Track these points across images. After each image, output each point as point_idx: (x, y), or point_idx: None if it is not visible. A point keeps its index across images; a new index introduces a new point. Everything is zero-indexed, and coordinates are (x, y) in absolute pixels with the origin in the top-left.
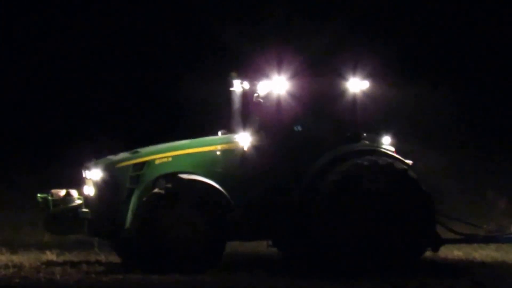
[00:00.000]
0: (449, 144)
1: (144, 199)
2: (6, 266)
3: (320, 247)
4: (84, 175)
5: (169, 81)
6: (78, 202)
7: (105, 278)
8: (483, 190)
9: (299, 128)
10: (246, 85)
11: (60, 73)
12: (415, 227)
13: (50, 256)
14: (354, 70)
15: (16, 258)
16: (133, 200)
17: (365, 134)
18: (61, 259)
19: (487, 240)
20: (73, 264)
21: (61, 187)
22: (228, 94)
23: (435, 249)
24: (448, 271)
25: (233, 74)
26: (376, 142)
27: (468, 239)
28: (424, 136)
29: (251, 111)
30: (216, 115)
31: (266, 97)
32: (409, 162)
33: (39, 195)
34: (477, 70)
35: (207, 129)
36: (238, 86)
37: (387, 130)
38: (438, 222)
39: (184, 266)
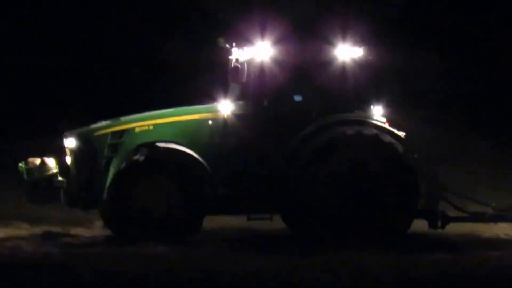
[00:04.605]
0: (454, 118)
1: (122, 167)
2: None
3: (297, 216)
4: (63, 144)
5: (163, 48)
6: (54, 171)
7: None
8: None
9: (299, 98)
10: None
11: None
12: (397, 201)
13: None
14: (345, 36)
15: None
16: (111, 169)
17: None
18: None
19: (496, 219)
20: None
21: (45, 156)
22: (226, 62)
23: (442, 227)
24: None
25: (220, 40)
26: (367, 112)
27: (476, 218)
28: (422, 107)
29: (230, 78)
30: (211, 84)
31: (248, 64)
32: (401, 134)
33: (19, 164)
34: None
35: (203, 98)
36: (236, 53)
37: (380, 100)
38: (445, 200)
39: (160, 237)
